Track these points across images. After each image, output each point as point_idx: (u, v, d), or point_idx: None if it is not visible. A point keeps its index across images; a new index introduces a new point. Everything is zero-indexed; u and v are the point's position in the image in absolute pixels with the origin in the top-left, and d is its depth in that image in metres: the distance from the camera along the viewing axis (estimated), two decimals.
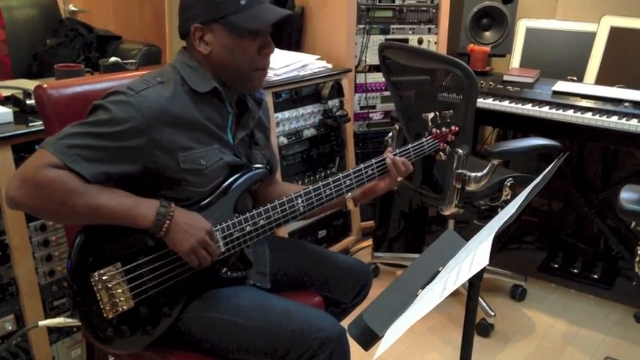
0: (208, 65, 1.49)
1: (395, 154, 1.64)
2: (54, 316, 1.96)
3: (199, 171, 1.46)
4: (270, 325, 1.45)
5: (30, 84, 2.25)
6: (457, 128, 1.72)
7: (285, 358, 1.44)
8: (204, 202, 1.49)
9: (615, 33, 3.03)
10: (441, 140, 1.72)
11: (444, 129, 1.71)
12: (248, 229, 1.49)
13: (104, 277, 1.39)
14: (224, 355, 1.50)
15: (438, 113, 1.71)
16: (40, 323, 1.49)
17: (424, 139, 1.70)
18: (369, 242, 3.25)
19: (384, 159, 1.63)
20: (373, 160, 1.62)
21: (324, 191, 1.56)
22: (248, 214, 1.49)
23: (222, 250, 1.47)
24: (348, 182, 1.59)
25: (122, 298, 1.41)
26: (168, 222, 1.37)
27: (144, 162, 1.40)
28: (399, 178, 1.65)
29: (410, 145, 1.68)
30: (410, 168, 1.66)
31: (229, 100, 1.54)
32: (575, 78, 3.07)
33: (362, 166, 1.61)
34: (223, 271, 1.53)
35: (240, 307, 1.49)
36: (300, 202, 1.53)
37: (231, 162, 1.53)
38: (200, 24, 1.45)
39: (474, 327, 1.34)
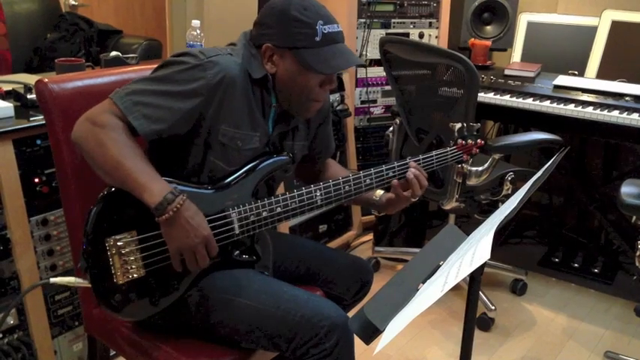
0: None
1: (417, 160, 1.63)
2: (55, 311, 1.97)
3: (232, 149, 1.50)
4: (279, 309, 1.47)
5: (31, 78, 2.25)
6: (483, 142, 1.70)
7: (291, 342, 1.46)
8: (225, 182, 1.51)
9: (616, 27, 3.02)
10: (465, 152, 1.70)
11: (469, 141, 1.69)
12: (264, 214, 1.50)
13: (119, 243, 1.41)
14: (229, 336, 1.51)
15: (465, 124, 1.69)
16: (52, 280, 1.51)
17: (448, 149, 1.68)
18: (370, 237, 3.26)
19: (407, 163, 1.61)
20: (395, 163, 1.61)
21: (344, 187, 1.56)
22: (266, 201, 1.50)
23: (237, 232, 1.49)
24: (368, 181, 1.58)
25: (134, 266, 1.42)
26: (172, 213, 1.36)
27: (194, 123, 1.46)
28: (416, 196, 1.62)
29: (434, 153, 1.66)
30: (424, 184, 1.63)
31: (276, 95, 1.56)
32: (576, 72, 3.07)
33: (384, 167, 1.60)
34: (235, 253, 1.54)
35: (251, 290, 1.51)
36: (318, 194, 1.54)
37: (262, 154, 1.56)
38: (272, 45, 1.49)
39: (475, 321, 1.34)
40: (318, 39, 1.47)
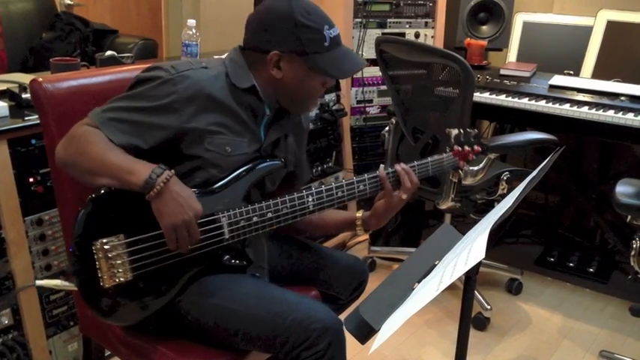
0: (271, 86, 1.53)
1: (413, 166, 1.62)
2: (50, 311, 1.97)
3: (222, 156, 1.49)
4: (269, 313, 1.46)
5: (26, 78, 2.24)
6: (480, 148, 1.69)
7: (283, 346, 1.45)
8: (216, 185, 1.50)
9: (612, 27, 3.03)
10: (461, 158, 1.69)
11: (466, 147, 1.68)
12: (255, 219, 1.49)
13: (106, 247, 1.39)
14: (222, 340, 1.50)
15: (462, 131, 1.68)
16: (37, 282, 1.50)
17: (444, 155, 1.67)
18: (366, 236, 3.25)
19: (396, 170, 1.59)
20: (390, 169, 1.60)
21: (336, 193, 1.55)
22: (257, 205, 1.49)
23: (227, 237, 1.48)
24: (361, 187, 1.58)
25: (121, 270, 1.41)
26: (162, 185, 1.35)
27: (172, 139, 1.45)
28: (404, 196, 1.59)
29: (429, 159, 1.65)
30: (416, 182, 1.60)
31: (268, 103, 1.56)
32: (571, 72, 3.07)
33: (376, 172, 1.59)
34: (225, 258, 1.53)
35: (241, 294, 1.50)
36: (310, 200, 1.53)
37: (253, 158, 1.55)
38: (281, 52, 1.48)
39: (470, 320, 1.34)
40: (327, 44, 1.48)
